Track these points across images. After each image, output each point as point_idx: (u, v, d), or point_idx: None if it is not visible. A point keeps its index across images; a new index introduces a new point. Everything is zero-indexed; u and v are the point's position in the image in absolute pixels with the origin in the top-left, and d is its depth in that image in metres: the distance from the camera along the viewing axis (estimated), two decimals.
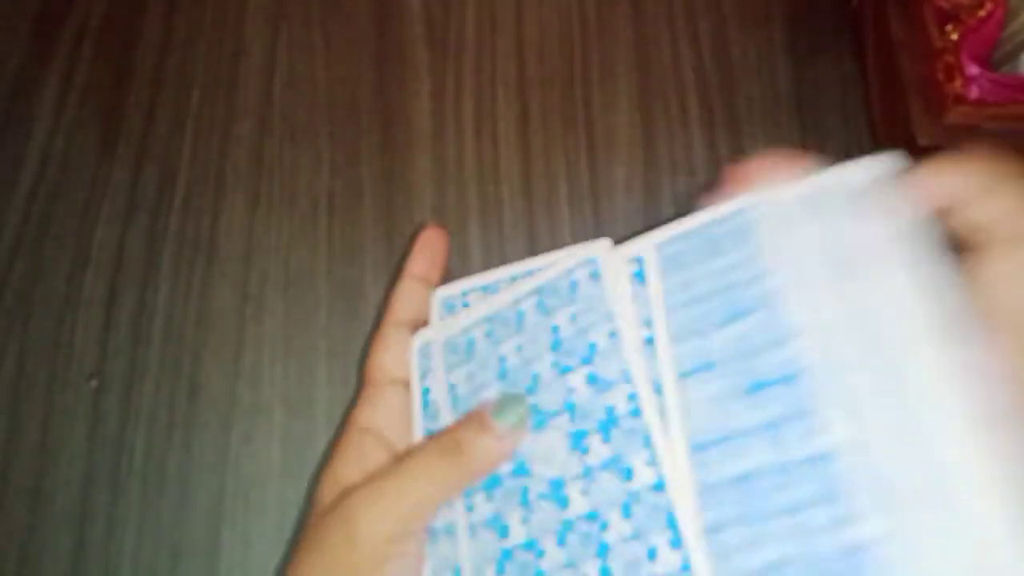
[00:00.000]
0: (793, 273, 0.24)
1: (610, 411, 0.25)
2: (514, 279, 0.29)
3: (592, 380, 0.26)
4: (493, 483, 0.27)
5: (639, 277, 0.27)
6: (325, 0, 0.49)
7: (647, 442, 0.24)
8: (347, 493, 0.26)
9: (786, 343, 0.23)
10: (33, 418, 0.39)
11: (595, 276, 0.27)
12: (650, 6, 0.49)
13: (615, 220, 0.43)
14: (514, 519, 0.26)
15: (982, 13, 0.41)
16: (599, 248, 0.28)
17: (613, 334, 0.26)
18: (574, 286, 0.28)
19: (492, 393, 0.28)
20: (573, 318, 0.27)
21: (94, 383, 0.39)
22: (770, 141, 0.46)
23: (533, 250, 0.43)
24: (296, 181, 0.44)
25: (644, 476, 0.24)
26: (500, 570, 0.26)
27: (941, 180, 0.23)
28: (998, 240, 0.22)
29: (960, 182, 0.22)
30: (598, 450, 0.25)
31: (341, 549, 0.25)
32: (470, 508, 0.27)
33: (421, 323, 0.31)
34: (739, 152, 0.45)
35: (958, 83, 0.40)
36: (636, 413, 0.25)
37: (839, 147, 0.46)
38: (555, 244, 0.43)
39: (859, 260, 0.23)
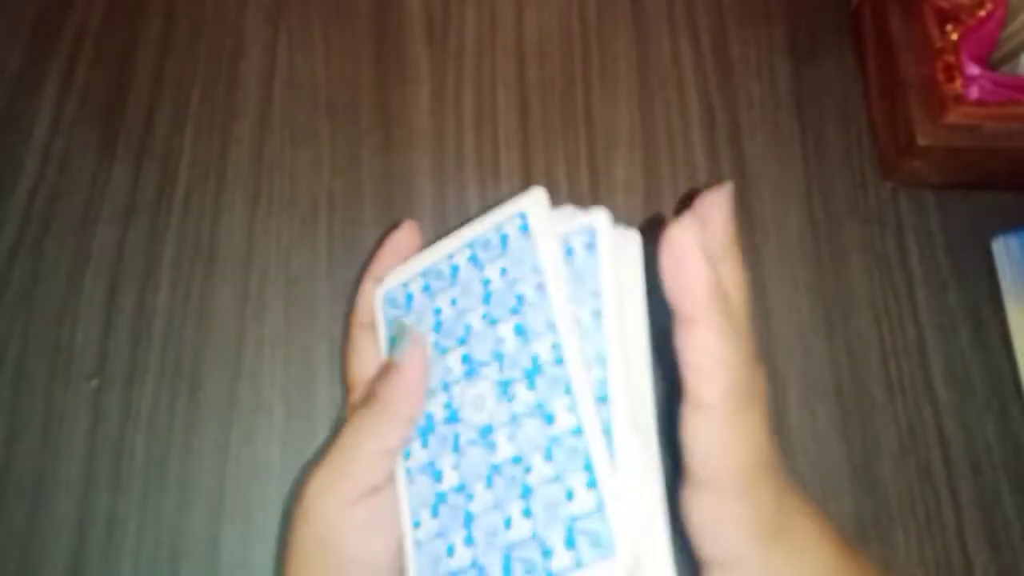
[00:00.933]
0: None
1: (535, 359, 0.26)
2: (450, 255, 0.30)
3: (519, 330, 0.27)
4: (428, 430, 0.28)
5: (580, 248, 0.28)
6: (325, 0, 0.49)
7: (568, 389, 0.25)
8: (306, 482, 0.27)
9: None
10: (33, 418, 0.39)
11: (524, 230, 0.28)
12: (650, 6, 0.49)
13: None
14: (446, 464, 0.27)
15: (982, 13, 0.41)
16: (529, 202, 0.28)
17: (540, 286, 0.27)
18: (504, 240, 0.28)
19: (428, 345, 0.29)
20: (503, 272, 0.28)
21: (94, 383, 0.39)
22: (770, 141, 0.46)
23: None
24: (296, 181, 0.44)
25: (564, 421, 0.25)
26: (435, 513, 0.27)
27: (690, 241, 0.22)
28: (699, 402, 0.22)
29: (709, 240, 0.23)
30: (523, 397, 0.26)
31: (303, 532, 0.26)
32: (407, 455, 0.28)
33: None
34: (739, 152, 0.45)
35: (958, 83, 0.40)
36: (559, 361, 0.26)
37: (839, 147, 0.46)
38: None
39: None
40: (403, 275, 0.31)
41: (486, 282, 0.28)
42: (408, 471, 0.28)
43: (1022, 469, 0.39)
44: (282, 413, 0.39)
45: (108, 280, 0.42)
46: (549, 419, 0.25)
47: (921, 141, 0.41)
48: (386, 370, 0.28)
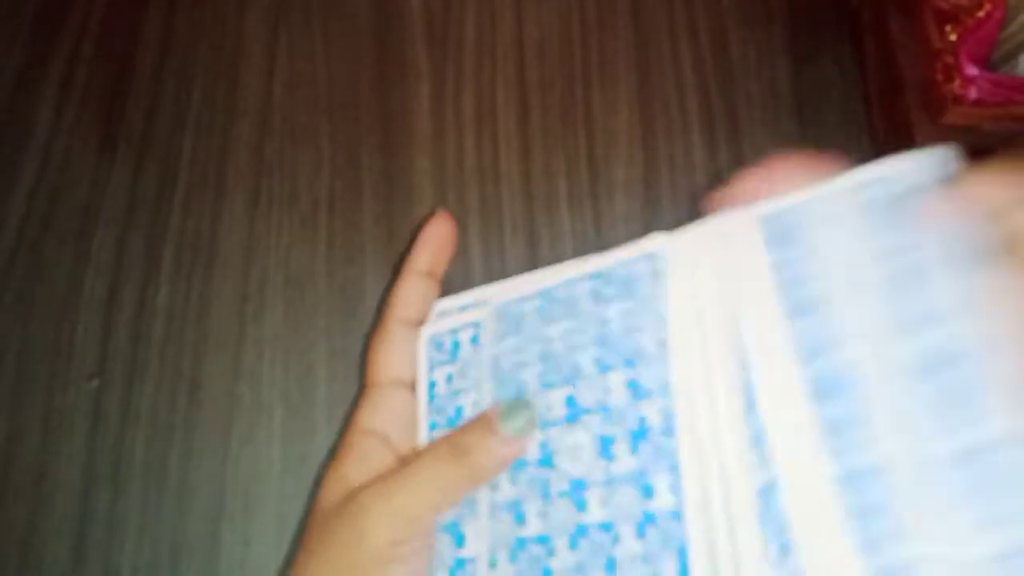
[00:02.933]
0: (845, 277, 0.23)
1: (642, 422, 0.24)
2: (570, 282, 0.28)
3: (631, 385, 0.25)
4: (519, 466, 0.26)
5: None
6: (325, 0, 0.49)
7: (674, 466, 0.23)
8: (354, 494, 0.26)
9: (841, 348, 0.22)
10: (33, 418, 0.39)
11: (657, 275, 0.25)
12: (650, 6, 0.49)
13: (615, 220, 0.43)
14: (532, 509, 0.25)
15: (981, 14, 0.41)
16: (666, 243, 0.26)
17: (661, 342, 0.24)
18: (631, 280, 0.26)
19: (532, 374, 0.28)
20: (625, 314, 0.26)
21: (94, 383, 0.39)
22: (770, 141, 0.46)
23: (533, 250, 0.43)
24: (296, 181, 0.44)
25: (664, 500, 0.23)
26: (513, 558, 0.25)
27: (983, 189, 0.21)
28: None
29: (1001, 191, 0.21)
30: (624, 460, 0.24)
31: (349, 549, 0.25)
32: (494, 487, 0.26)
33: (424, 321, 0.31)
34: (739, 152, 0.45)
35: (957, 83, 0.40)
36: (668, 432, 0.23)
37: (839, 147, 0.46)
38: (555, 244, 0.43)
39: (909, 268, 0.22)
40: (451, 321, 0.29)
41: (605, 322, 0.26)
42: (493, 504, 0.26)
43: None
44: (282, 413, 0.39)
45: (108, 280, 0.42)
46: (648, 492, 0.23)
47: (920, 141, 0.41)
48: (485, 429, 0.26)
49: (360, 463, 0.28)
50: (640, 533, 0.23)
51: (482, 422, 0.26)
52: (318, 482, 0.38)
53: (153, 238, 0.43)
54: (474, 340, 0.30)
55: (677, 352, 0.24)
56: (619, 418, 0.24)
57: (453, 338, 0.29)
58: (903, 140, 0.42)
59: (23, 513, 0.37)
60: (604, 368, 0.25)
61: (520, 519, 0.26)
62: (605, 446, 0.25)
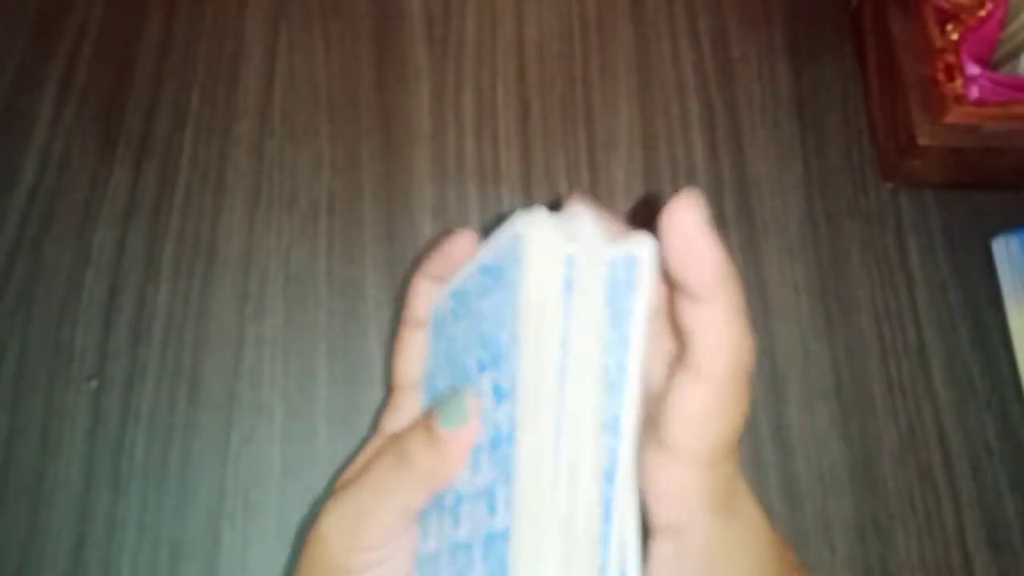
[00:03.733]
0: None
1: (498, 428, 0.21)
2: (468, 274, 0.26)
3: (496, 388, 0.22)
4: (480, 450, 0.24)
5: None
6: (325, 0, 0.49)
7: (507, 475, 0.20)
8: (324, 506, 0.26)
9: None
10: (33, 418, 0.39)
11: (518, 260, 0.21)
12: (650, 6, 0.49)
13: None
14: (432, 523, 0.25)
15: (982, 13, 0.41)
16: (527, 225, 0.21)
17: (514, 337, 0.21)
18: (503, 268, 0.22)
19: (443, 378, 0.27)
20: (496, 307, 0.22)
21: (94, 383, 0.39)
22: (770, 141, 0.46)
23: None
24: (296, 181, 0.44)
25: (501, 518, 0.20)
26: (484, 556, 0.22)
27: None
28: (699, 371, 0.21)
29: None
30: (484, 472, 0.22)
31: (314, 559, 0.26)
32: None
33: None
34: (739, 152, 0.45)
35: (958, 83, 0.40)
36: (509, 436, 0.20)
37: (839, 147, 0.46)
38: None
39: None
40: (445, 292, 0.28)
41: (483, 317, 0.23)
42: (473, 493, 0.23)
43: (1022, 469, 0.39)
44: (282, 413, 0.39)
45: (108, 280, 0.42)
46: (492, 509, 0.21)
47: (921, 141, 0.41)
48: (426, 432, 0.25)
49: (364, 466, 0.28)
50: (485, 557, 0.21)
51: (420, 425, 0.25)
52: (318, 482, 0.38)
53: (153, 238, 0.43)
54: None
55: (523, 349, 0.20)
56: (488, 424, 0.22)
57: (442, 310, 0.29)
58: (903, 140, 0.42)
59: (23, 513, 0.37)
60: (481, 368, 0.23)
61: (424, 534, 0.25)
62: (475, 456, 0.23)
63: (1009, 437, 0.40)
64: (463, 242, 0.29)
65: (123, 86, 0.46)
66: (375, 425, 0.30)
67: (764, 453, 0.39)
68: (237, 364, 0.40)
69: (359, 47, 0.47)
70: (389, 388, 0.31)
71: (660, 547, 0.22)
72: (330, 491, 0.28)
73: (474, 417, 0.23)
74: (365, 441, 0.30)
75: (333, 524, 0.25)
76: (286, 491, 0.38)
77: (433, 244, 0.30)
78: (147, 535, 0.37)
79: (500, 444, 0.21)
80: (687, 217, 0.20)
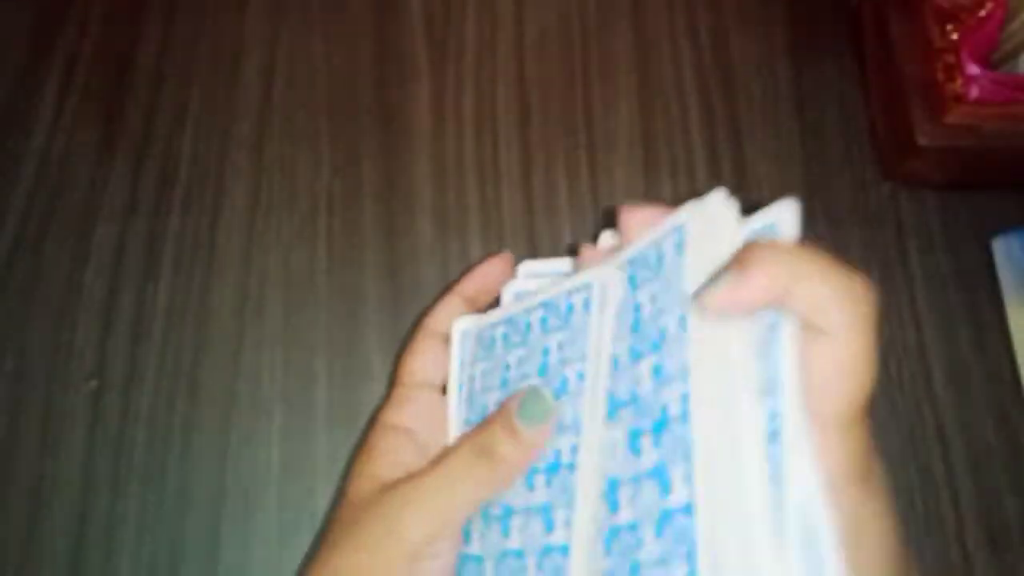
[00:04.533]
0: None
1: (664, 411, 0.22)
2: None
3: (656, 372, 0.23)
4: (553, 470, 0.25)
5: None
6: (325, 0, 0.49)
7: (687, 454, 0.21)
8: (386, 489, 0.27)
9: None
10: (33, 418, 0.39)
11: (587, 305, 0.25)
12: (650, 6, 0.49)
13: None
14: (559, 518, 0.25)
15: (982, 13, 0.41)
16: (601, 275, 0.25)
17: (682, 320, 0.23)
18: (570, 311, 0.26)
19: (493, 400, 0.28)
20: (560, 346, 0.26)
21: (94, 383, 0.39)
22: (770, 141, 0.46)
23: (533, 251, 0.43)
24: (296, 181, 0.44)
25: (679, 495, 0.21)
26: (540, 567, 0.24)
27: (764, 278, 0.21)
28: (819, 330, 0.20)
29: (767, 282, 0.21)
30: (649, 454, 0.23)
31: (381, 544, 0.26)
32: (530, 485, 0.26)
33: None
34: (739, 152, 0.45)
35: (958, 83, 0.40)
36: (684, 418, 0.22)
37: (839, 147, 0.46)
38: (555, 244, 0.43)
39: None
40: (484, 318, 0.29)
41: (545, 352, 0.26)
42: (527, 509, 0.25)
43: (1022, 469, 0.39)
44: (282, 412, 0.39)
45: (108, 280, 0.42)
46: (665, 488, 0.21)
47: (921, 141, 0.41)
48: (504, 427, 0.26)
49: (389, 459, 0.28)
50: (659, 533, 0.21)
51: (501, 419, 0.27)
52: (318, 482, 0.38)
53: (153, 238, 0.43)
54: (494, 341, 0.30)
55: (588, 390, 0.24)
56: (647, 409, 0.23)
57: (491, 333, 0.30)
58: (903, 140, 0.42)
59: (23, 513, 0.37)
60: (636, 356, 0.24)
61: (549, 527, 0.25)
62: (634, 440, 0.23)
63: (1009, 437, 0.40)
64: (502, 264, 0.31)
65: (123, 86, 0.46)
66: (371, 420, 0.30)
67: None
68: (236, 364, 0.40)
69: (359, 47, 0.47)
70: (391, 383, 0.31)
71: None
72: (352, 478, 0.28)
73: (554, 420, 0.26)
74: (362, 436, 0.30)
75: (418, 514, 0.26)
76: (285, 491, 0.38)
77: (473, 266, 0.31)
78: (147, 535, 0.37)
79: (670, 425, 0.22)
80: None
